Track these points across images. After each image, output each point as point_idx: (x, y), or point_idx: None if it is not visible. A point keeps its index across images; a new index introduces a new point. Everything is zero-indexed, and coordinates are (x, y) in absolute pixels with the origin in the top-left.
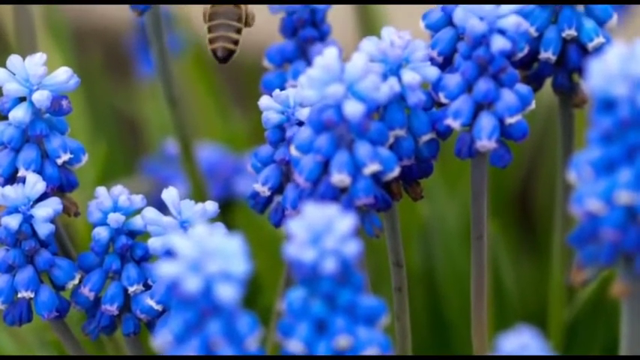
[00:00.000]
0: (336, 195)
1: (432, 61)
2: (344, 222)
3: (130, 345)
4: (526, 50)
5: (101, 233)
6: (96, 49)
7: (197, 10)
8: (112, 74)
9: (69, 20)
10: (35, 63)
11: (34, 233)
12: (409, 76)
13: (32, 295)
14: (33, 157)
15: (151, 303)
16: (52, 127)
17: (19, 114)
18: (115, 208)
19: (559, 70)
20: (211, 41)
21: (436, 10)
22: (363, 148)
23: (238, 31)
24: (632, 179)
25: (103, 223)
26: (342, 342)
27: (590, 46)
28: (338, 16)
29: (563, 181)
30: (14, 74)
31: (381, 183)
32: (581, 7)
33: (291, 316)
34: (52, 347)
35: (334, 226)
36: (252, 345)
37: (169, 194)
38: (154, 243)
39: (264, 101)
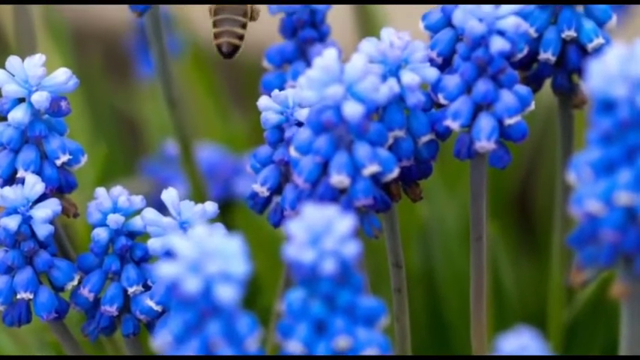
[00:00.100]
0: (336, 196)
1: (432, 62)
2: (343, 223)
3: (129, 346)
4: (525, 51)
5: (101, 234)
6: (96, 50)
7: (197, 11)
8: (111, 75)
9: (69, 21)
10: (34, 64)
11: (33, 234)
12: (408, 77)
13: (31, 296)
14: (32, 158)
15: (151, 304)
16: (51, 128)
17: (19, 115)
18: (115, 209)
19: (558, 70)
20: (216, 36)
21: (435, 11)
22: (362, 149)
23: (243, 26)
24: (631, 180)
25: (103, 224)
26: (342, 343)
27: (590, 46)
28: (337, 17)
29: (563, 182)
30: (13, 75)
31: (381, 184)
32: (580, 8)
33: (291, 316)
34: (52, 348)
35: (333, 227)
36: (251, 346)
37: (169, 195)
38: (153, 244)
39: (263, 102)
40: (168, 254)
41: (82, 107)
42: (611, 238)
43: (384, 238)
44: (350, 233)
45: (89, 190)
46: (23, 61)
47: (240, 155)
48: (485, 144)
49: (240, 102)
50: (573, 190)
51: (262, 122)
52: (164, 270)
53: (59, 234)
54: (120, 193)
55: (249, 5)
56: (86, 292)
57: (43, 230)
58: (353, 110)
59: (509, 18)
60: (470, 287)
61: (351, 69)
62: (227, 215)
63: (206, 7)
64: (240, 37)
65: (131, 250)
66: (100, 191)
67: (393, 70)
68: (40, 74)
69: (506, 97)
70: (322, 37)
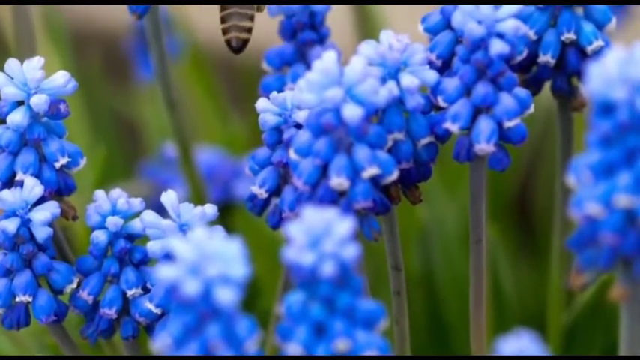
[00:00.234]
0: (335, 199)
1: (431, 64)
2: (343, 225)
3: (128, 348)
4: (525, 54)
5: (100, 237)
6: (95, 53)
7: (196, 13)
8: (111, 77)
9: (68, 24)
10: (33, 67)
11: (32, 237)
12: (408, 80)
13: (30, 299)
14: (31, 161)
15: (150, 306)
16: (50, 130)
17: (17, 118)
18: (114, 212)
19: (558, 73)
20: (224, 32)
21: (435, 14)
22: (361, 152)
23: (251, 18)
24: (631, 183)
25: (102, 226)
26: (341, 345)
27: (589, 49)
28: (337, 19)
29: (562, 184)
30: (12, 78)
31: (380, 187)
32: (580, 11)
33: (290, 319)
34: (51, 351)
35: (333, 229)
36: (251, 348)
37: (168, 197)
38: (152, 246)
39: (262, 103)
40: (168, 257)
41: (81, 110)
42: (611, 241)
43: (384, 240)
44: (349, 236)
45: (88, 192)
46: (22, 63)
47: (239, 158)
48: (484, 147)
49: (239, 104)
50: (573, 192)
51: (260, 124)
52: (163, 272)
53: (58, 237)
54: (119, 195)
55: None
56: (85, 295)
57: (42, 233)
58: (352, 113)
59: (509, 21)
60: (469, 290)
61: (350, 72)
62: (227, 218)
63: (205, 8)
64: (249, 31)
65: (130, 252)
66: (99, 194)
67: (392, 73)
68: (39, 77)
69: (506, 100)
70: (322, 40)
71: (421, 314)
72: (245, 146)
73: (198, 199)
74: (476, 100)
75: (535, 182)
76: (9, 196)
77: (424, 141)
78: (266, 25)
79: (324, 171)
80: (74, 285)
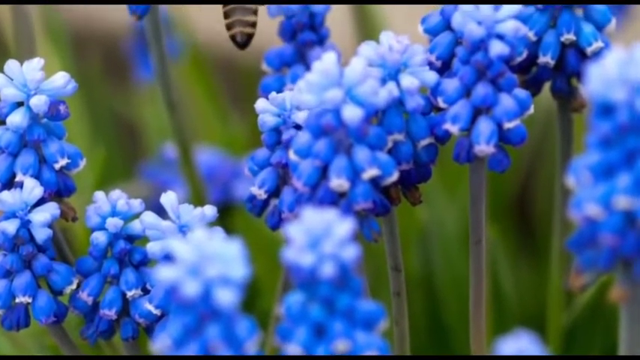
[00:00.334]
0: (335, 200)
1: (431, 65)
2: (342, 226)
3: (128, 350)
4: (525, 54)
5: (99, 238)
6: (95, 54)
7: (196, 13)
8: (110, 78)
9: (68, 25)
10: (33, 68)
11: (32, 238)
12: (408, 81)
13: (30, 300)
14: (31, 162)
15: (150, 307)
16: (49, 132)
17: (17, 119)
18: (114, 213)
19: (558, 74)
20: (229, 27)
21: (435, 15)
22: (361, 153)
23: (255, 12)
24: (630, 184)
25: (102, 227)
26: (341, 346)
27: (589, 50)
28: (336, 20)
29: (562, 185)
30: (12, 79)
31: (380, 188)
32: (580, 12)
33: (290, 320)
34: (51, 352)
35: (333, 230)
36: (250, 349)
37: (168, 198)
38: (152, 247)
39: (261, 104)
40: (168, 258)
41: (80, 111)
42: (610, 242)
43: (384, 241)
44: (349, 237)
45: (88, 193)
46: (22, 64)
47: (239, 158)
48: (484, 148)
49: (239, 105)
50: (572, 193)
51: (260, 125)
52: (163, 274)
53: (58, 238)
54: (119, 196)
55: None
56: (85, 296)
57: (41, 234)
58: (352, 114)
59: (509, 22)
60: (469, 291)
61: (350, 73)
62: (226, 218)
63: (205, 9)
64: (253, 25)
65: (130, 253)
66: (99, 195)
67: (392, 74)
68: (39, 78)
69: (506, 101)
70: (321, 40)
71: (421, 315)
72: (245, 147)
73: (198, 200)
74: (476, 101)
75: (535, 183)
76: (8, 197)
77: (424, 142)
78: (266, 26)
79: (323, 172)
80: (74, 286)
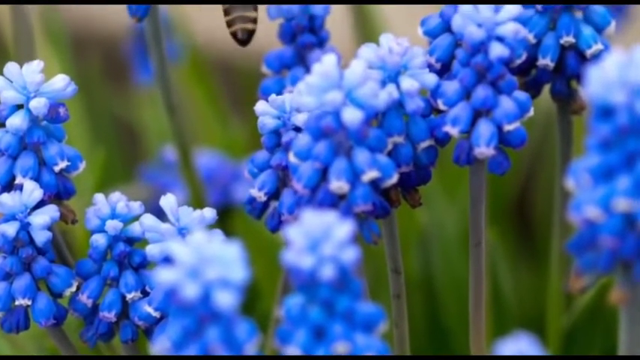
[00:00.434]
0: (335, 202)
1: (430, 67)
2: (342, 229)
3: (127, 352)
4: (524, 57)
5: (99, 240)
6: (95, 56)
7: (195, 16)
8: (110, 81)
9: (68, 27)
10: (32, 70)
11: (32, 241)
12: (408, 83)
13: (29, 303)
14: (30, 165)
15: (149, 310)
16: (49, 134)
17: (17, 121)
18: (113, 215)
19: (557, 76)
20: (229, 24)
21: (434, 17)
22: (361, 155)
23: (255, 8)
24: (630, 186)
25: (101, 230)
26: (340, 348)
27: (589, 52)
28: (336, 22)
29: (562, 188)
30: (11, 82)
31: (380, 190)
32: (579, 14)
33: (290, 322)
34: (50, 354)
35: (332, 232)
36: (250, 351)
37: (167, 201)
38: (152, 250)
39: (260, 106)
40: (167, 260)
41: (80, 113)
42: (610, 245)
43: (383, 243)
44: (349, 239)
45: (88, 196)
46: (21, 67)
47: (239, 161)
48: (484, 150)
49: (239, 108)
50: (572, 196)
51: (259, 127)
52: (163, 276)
53: (57, 240)
54: (118, 199)
55: None
56: (84, 299)
57: (41, 237)
58: (352, 116)
59: (509, 24)
60: (469, 293)
61: (350, 75)
62: (226, 221)
63: (205, 11)
64: (254, 21)
65: (129, 256)
66: (99, 197)
67: (392, 76)
68: (39, 80)
69: (506, 103)
70: (321, 43)
71: (421, 317)
72: (244, 149)
73: (197, 203)
74: (476, 104)
75: (534, 185)
76: (8, 199)
77: (424, 144)
78: (266, 28)
79: (323, 174)
80: (73, 288)
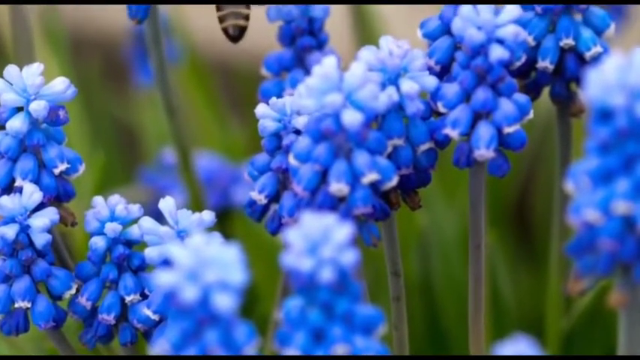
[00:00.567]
0: (335, 204)
1: (429, 69)
2: (341, 231)
3: (126, 354)
4: (524, 59)
5: (98, 243)
6: (94, 58)
7: (195, 18)
8: (110, 83)
9: (67, 29)
10: (32, 73)
11: (31, 243)
12: (408, 86)
13: (29, 305)
14: (30, 167)
15: (148, 312)
16: (49, 137)
17: (17, 124)
18: (112, 218)
19: (557, 79)
20: (221, 20)
21: (433, 19)
22: (361, 158)
23: (247, 6)
24: (629, 189)
25: (100, 232)
26: (340, 351)
27: (588, 55)
28: (335, 25)
29: (561, 190)
30: (11, 84)
31: (380, 192)
32: (579, 16)
33: (289, 325)
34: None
35: (332, 235)
36: (249, 354)
37: (166, 204)
38: (150, 252)
39: (261, 109)
40: (166, 263)
41: (80, 116)
42: (609, 247)
43: (383, 246)
44: (348, 241)
45: (87, 198)
46: (21, 70)
47: (238, 163)
48: (484, 152)
49: (238, 110)
50: (571, 198)
51: (260, 130)
52: (162, 279)
53: (57, 243)
54: (117, 201)
55: None
56: (84, 301)
57: (40, 239)
58: (352, 118)
59: (509, 26)
60: (468, 295)
61: (350, 77)
62: (225, 223)
63: (204, 13)
64: (246, 17)
65: (128, 258)
66: (98, 200)
67: (392, 79)
68: (39, 83)
69: (506, 106)
70: (320, 45)
71: (420, 320)
72: (244, 152)
73: (197, 205)
74: (475, 106)
75: (534, 188)
76: (8, 202)
77: (424, 147)
78: (265, 31)
79: (323, 176)
80: (73, 291)
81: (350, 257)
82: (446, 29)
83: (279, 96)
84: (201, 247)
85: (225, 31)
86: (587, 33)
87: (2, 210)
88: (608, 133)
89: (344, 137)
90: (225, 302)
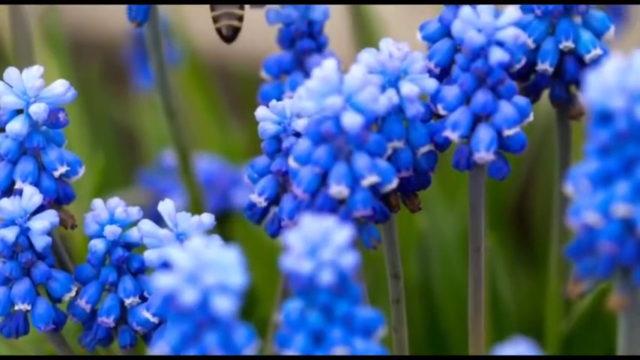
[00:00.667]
0: (335, 206)
1: (429, 72)
2: (341, 233)
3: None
4: (523, 62)
5: (97, 245)
6: (94, 61)
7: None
8: (110, 86)
9: (67, 31)
10: (32, 75)
11: (31, 245)
12: (407, 88)
13: (29, 308)
14: (30, 170)
15: (148, 315)
16: (49, 139)
17: (16, 126)
18: (112, 221)
19: (556, 81)
20: (215, 20)
21: (433, 21)
22: (361, 160)
23: (241, 6)
24: (629, 192)
25: (100, 235)
26: (339, 353)
27: (588, 57)
28: (334, 28)
29: (561, 193)
30: (11, 87)
31: (379, 195)
32: (578, 19)
33: (288, 327)
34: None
35: (331, 237)
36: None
37: (165, 206)
38: (149, 255)
39: (261, 112)
40: (165, 266)
41: (80, 118)
42: (609, 250)
43: (383, 248)
44: (348, 244)
45: (87, 201)
46: (21, 72)
47: (238, 166)
48: (484, 155)
49: (238, 113)
50: (571, 201)
51: (260, 132)
52: (161, 281)
53: (57, 245)
54: (117, 204)
55: None
56: (83, 304)
57: (40, 242)
58: (352, 121)
59: (509, 29)
60: (468, 298)
61: (350, 80)
62: (225, 226)
63: (204, 15)
64: (240, 18)
65: (128, 261)
66: (97, 202)
67: (392, 81)
68: (38, 85)
69: (506, 108)
70: (320, 48)
71: (420, 322)
72: (244, 154)
73: (196, 208)
74: (475, 109)
75: (534, 190)
76: (8, 204)
77: (424, 149)
78: (264, 33)
79: (323, 179)
80: (72, 293)
81: (350, 260)
82: (446, 32)
83: (279, 98)
84: (200, 249)
85: (218, 31)
86: (586, 35)
87: (2, 212)
88: (608, 136)
89: (344, 140)
90: (224, 305)
